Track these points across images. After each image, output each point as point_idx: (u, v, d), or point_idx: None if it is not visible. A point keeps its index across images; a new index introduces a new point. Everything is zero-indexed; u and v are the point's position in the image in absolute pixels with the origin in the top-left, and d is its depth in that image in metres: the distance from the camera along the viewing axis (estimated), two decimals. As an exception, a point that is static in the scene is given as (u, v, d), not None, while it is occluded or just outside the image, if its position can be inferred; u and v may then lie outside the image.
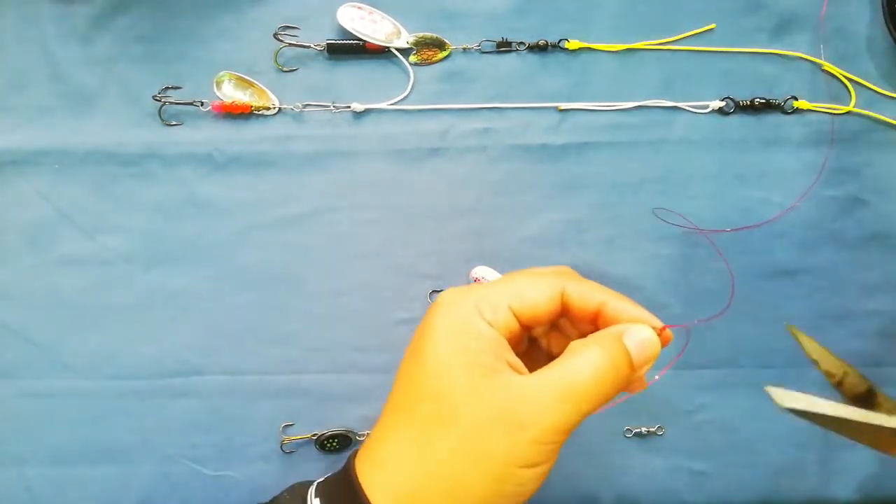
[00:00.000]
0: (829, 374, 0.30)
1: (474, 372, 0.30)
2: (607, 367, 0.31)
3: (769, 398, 0.29)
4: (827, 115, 0.49)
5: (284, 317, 0.49)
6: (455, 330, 0.31)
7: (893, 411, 0.30)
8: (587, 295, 0.33)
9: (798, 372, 0.49)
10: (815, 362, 0.30)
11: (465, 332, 0.31)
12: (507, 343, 0.32)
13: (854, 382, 0.30)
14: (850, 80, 0.48)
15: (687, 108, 0.49)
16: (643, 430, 0.49)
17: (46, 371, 0.48)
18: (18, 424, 0.49)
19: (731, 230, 0.48)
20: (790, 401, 0.29)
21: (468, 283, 0.49)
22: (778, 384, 0.49)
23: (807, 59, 0.49)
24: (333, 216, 0.49)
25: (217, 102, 0.48)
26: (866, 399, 0.30)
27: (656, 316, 0.34)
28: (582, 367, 0.31)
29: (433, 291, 0.49)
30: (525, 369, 0.32)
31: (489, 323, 0.32)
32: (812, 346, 0.30)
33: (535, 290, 0.33)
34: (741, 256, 0.49)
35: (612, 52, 0.49)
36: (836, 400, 0.29)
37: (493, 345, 0.31)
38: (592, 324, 0.34)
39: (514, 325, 0.33)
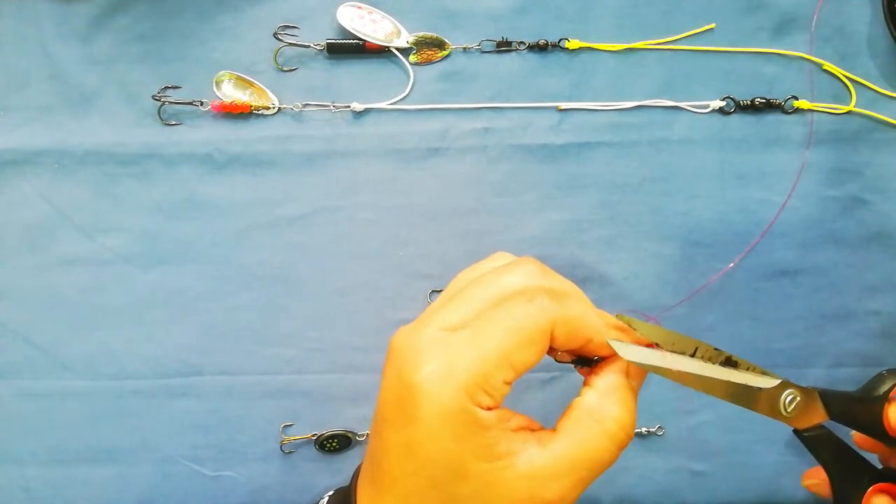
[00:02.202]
0: (677, 353, 0.31)
1: (492, 468, 0.29)
2: (628, 426, 0.30)
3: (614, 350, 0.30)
4: (827, 115, 0.49)
5: (284, 317, 0.49)
6: (456, 431, 0.28)
7: (754, 373, 0.32)
8: (574, 334, 0.30)
9: (799, 371, 0.49)
10: (656, 345, 0.31)
11: (468, 431, 0.28)
12: (507, 412, 0.30)
13: (709, 355, 0.31)
14: (850, 79, 0.48)
15: (687, 107, 0.49)
16: (643, 430, 0.49)
17: (46, 371, 0.48)
18: (18, 424, 0.49)
19: (677, 304, 0.48)
20: (631, 354, 0.30)
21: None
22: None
23: (807, 59, 0.49)
24: (333, 216, 0.49)
25: (217, 102, 0.48)
26: (727, 367, 0.32)
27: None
28: (603, 442, 0.30)
29: (433, 291, 0.49)
30: (533, 422, 0.31)
31: (489, 407, 0.29)
32: (650, 330, 0.31)
33: (526, 353, 0.29)
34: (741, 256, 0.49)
35: (613, 51, 0.49)
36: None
37: (499, 428, 0.29)
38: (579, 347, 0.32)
39: (508, 388, 0.30)
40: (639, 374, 0.31)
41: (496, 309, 0.30)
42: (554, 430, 0.30)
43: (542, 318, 0.29)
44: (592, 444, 0.30)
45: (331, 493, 0.35)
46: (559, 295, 0.30)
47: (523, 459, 0.29)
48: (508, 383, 0.29)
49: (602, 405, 0.30)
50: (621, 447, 0.30)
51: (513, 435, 0.29)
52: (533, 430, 0.30)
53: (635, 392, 0.31)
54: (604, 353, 0.31)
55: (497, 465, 0.29)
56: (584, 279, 0.49)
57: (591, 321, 0.30)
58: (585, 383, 0.31)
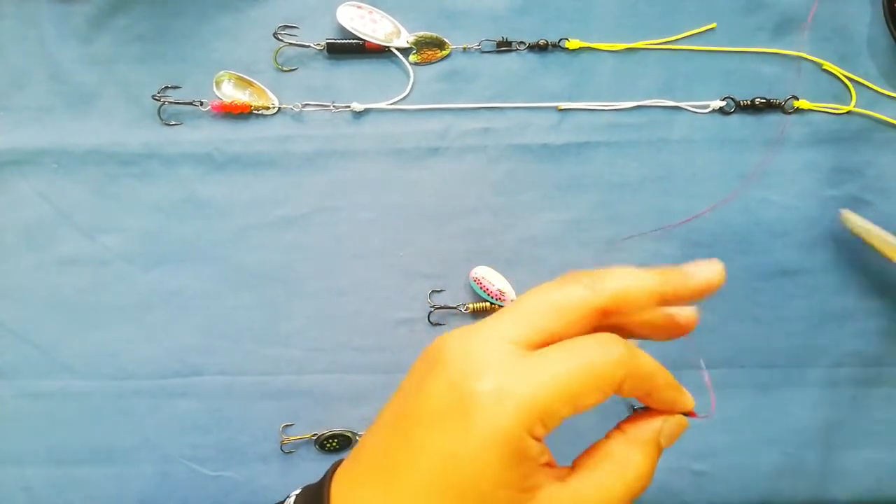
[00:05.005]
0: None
1: (517, 498, 0.28)
2: (645, 479, 0.30)
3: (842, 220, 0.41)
4: (828, 115, 0.49)
5: (284, 317, 0.49)
6: (502, 454, 0.27)
7: None
8: (639, 388, 0.30)
9: (799, 371, 0.49)
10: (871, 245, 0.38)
11: (513, 458, 0.27)
12: (545, 444, 0.29)
13: None
14: (850, 79, 0.48)
15: (687, 107, 0.49)
16: (643, 430, 0.49)
17: (46, 371, 0.48)
18: (18, 424, 0.49)
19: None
20: (851, 224, 0.41)
21: (468, 283, 0.49)
22: (778, 384, 0.49)
23: (807, 59, 0.49)
24: (333, 216, 0.49)
25: (217, 102, 0.48)
26: None
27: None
28: (618, 488, 0.29)
29: (433, 291, 0.49)
30: (555, 462, 0.30)
31: (537, 438, 0.28)
32: (868, 231, 0.34)
33: (593, 398, 0.28)
34: (741, 256, 0.49)
35: (613, 51, 0.49)
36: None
37: (536, 460, 0.28)
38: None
39: (559, 423, 0.30)
40: (672, 435, 0.31)
41: (573, 343, 0.29)
42: (571, 468, 0.30)
43: (619, 371, 0.28)
44: (607, 488, 0.29)
45: (297, 491, 0.33)
46: (634, 350, 0.29)
47: (545, 494, 0.28)
48: (562, 420, 0.28)
49: (627, 452, 0.30)
50: (633, 496, 0.30)
51: (540, 468, 0.29)
52: (551, 465, 0.30)
53: (662, 449, 0.31)
54: (654, 405, 0.31)
55: (522, 497, 0.28)
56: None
57: (658, 379, 0.30)
58: (618, 428, 0.31)
